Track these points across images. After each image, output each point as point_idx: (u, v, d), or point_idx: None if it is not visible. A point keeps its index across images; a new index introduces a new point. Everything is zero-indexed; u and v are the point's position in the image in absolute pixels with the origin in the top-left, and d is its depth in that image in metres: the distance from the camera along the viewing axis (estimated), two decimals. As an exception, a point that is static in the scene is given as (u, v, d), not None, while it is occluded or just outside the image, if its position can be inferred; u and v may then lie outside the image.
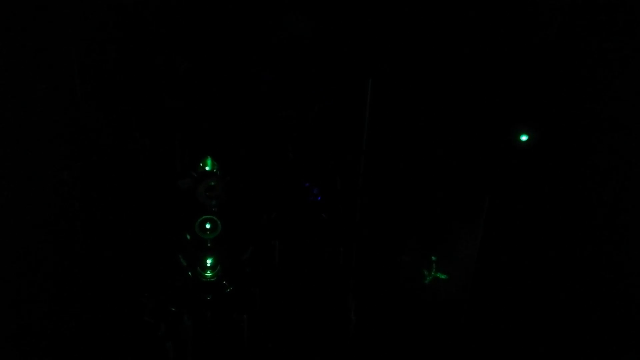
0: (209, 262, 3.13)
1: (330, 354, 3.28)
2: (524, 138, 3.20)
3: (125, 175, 3.17)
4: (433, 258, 3.35)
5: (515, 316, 3.27)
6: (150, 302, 3.09)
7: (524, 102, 3.33)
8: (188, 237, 3.12)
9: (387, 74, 3.35)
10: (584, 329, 3.18)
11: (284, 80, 3.38)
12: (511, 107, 3.34)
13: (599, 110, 3.19)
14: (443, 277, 3.33)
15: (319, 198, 3.45)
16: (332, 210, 3.46)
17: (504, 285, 3.33)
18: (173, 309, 3.13)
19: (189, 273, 3.14)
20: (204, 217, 3.07)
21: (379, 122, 3.37)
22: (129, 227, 3.19)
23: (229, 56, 3.32)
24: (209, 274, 3.15)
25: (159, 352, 3.06)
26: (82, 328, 3.05)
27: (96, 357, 3.06)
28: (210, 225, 3.08)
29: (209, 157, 3.10)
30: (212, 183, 3.07)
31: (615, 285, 3.11)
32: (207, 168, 3.10)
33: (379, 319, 3.32)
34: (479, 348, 3.26)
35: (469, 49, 3.34)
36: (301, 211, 3.44)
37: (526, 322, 3.26)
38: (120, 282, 3.14)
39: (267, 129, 3.37)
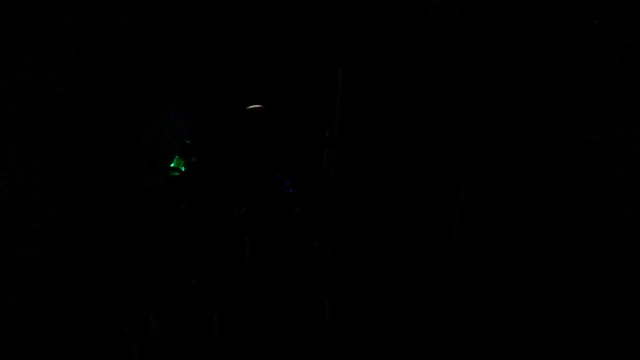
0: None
1: (304, 352, 3.22)
2: None
3: (88, 173, 3.05)
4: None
5: (493, 309, 3.22)
6: (114, 304, 2.98)
7: (500, 90, 3.27)
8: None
9: (357, 62, 3.28)
10: (562, 323, 3.15)
11: (252, 72, 3.29)
12: (486, 95, 3.28)
13: (580, 102, 3.15)
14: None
15: (291, 191, 3.38)
16: (304, 203, 3.38)
17: (481, 276, 3.29)
18: (140, 310, 3.03)
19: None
20: None
21: (351, 112, 3.30)
22: (92, 226, 3.07)
23: (194, 50, 3.21)
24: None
25: (124, 356, 2.96)
26: (44, 333, 2.93)
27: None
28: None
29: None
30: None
31: (596, 281, 3.08)
32: (171, 164, 2.99)
33: (353, 315, 3.26)
34: (456, 344, 3.21)
35: (444, 36, 3.27)
36: (272, 205, 3.36)
37: (504, 316, 3.21)
38: (82, 283, 3.03)
39: (235, 122, 3.27)
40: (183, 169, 3.02)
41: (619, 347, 2.97)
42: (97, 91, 2.88)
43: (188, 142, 3.03)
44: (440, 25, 3.19)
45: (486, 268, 3.27)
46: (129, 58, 2.99)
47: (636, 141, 2.96)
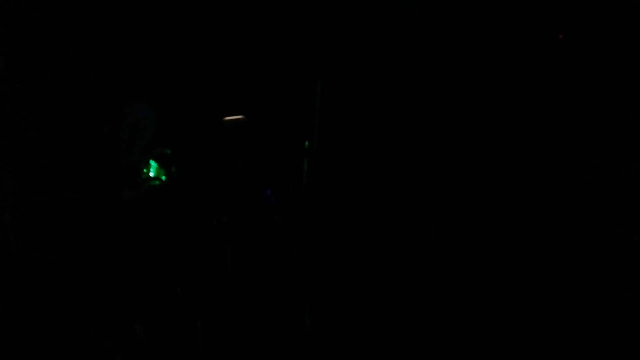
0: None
1: (286, 358, 3.24)
2: None
3: (69, 184, 3.07)
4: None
5: (470, 318, 3.25)
6: (96, 314, 3.00)
7: (477, 97, 3.32)
8: None
9: (335, 74, 3.32)
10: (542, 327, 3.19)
11: (231, 83, 3.32)
12: (464, 102, 3.33)
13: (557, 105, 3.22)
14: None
15: (272, 200, 3.40)
16: (285, 212, 3.40)
17: (460, 284, 3.32)
18: (123, 319, 3.04)
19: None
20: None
21: (329, 122, 3.33)
22: (74, 236, 3.08)
23: (170, 61, 3.24)
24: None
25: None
26: (25, 345, 2.94)
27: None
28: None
29: (152, 161, 3.01)
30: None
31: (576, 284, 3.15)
32: (151, 174, 3.01)
33: (334, 323, 3.29)
34: (435, 350, 3.24)
35: (417, 51, 3.32)
36: (253, 214, 3.38)
37: (481, 325, 3.25)
38: (64, 293, 3.04)
39: (214, 132, 3.30)
40: (164, 178, 3.04)
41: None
42: (77, 102, 2.91)
43: (168, 152, 3.05)
44: (413, 40, 3.24)
45: (465, 275, 3.31)
46: (106, 70, 3.01)
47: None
